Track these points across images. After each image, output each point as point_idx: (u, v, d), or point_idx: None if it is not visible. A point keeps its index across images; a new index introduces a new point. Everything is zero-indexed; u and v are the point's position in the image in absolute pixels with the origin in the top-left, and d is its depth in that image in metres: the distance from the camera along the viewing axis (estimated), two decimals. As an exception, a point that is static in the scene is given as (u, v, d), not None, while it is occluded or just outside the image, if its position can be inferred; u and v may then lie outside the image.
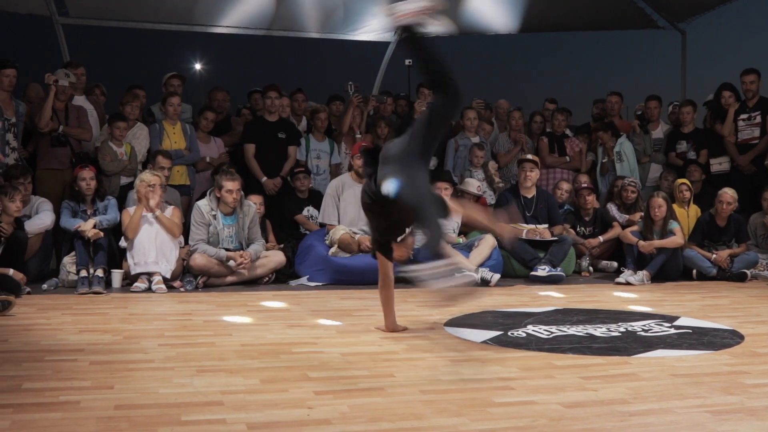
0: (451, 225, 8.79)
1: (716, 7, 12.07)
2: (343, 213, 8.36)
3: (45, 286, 7.28)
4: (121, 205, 7.97)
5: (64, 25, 11.16)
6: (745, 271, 8.56)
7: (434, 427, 3.10)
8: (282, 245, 8.53)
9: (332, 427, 3.08)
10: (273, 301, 6.71)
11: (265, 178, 9.24)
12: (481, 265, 8.13)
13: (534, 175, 9.01)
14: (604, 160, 10.33)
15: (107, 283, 7.34)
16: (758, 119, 9.74)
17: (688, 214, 9.19)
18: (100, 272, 7.24)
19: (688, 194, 9.30)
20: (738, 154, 9.80)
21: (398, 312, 6.20)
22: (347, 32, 12.91)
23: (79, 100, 9.01)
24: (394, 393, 3.59)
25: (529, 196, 9.02)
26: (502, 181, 10.03)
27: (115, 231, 7.75)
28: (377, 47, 13.44)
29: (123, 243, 7.60)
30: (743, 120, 9.86)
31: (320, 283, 7.90)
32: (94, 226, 7.42)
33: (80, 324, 5.41)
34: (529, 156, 9.37)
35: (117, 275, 7.47)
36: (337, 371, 4.04)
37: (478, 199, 9.41)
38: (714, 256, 8.67)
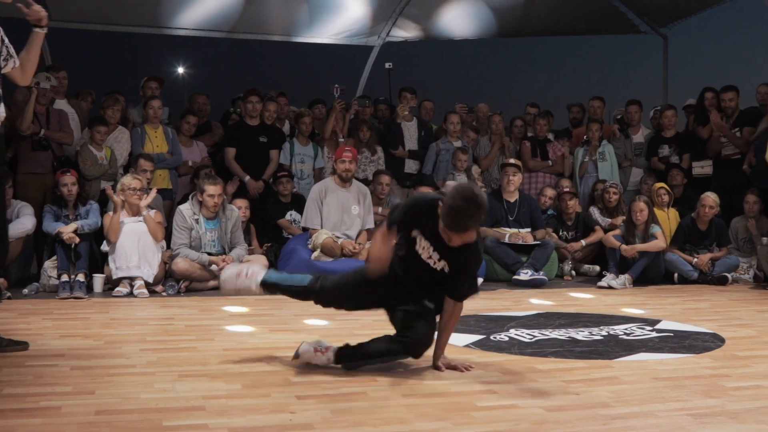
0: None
1: (698, 13, 12.18)
2: (326, 217, 8.35)
3: (26, 290, 7.23)
4: (103, 209, 7.93)
5: (45, 27, 11.09)
6: (726, 274, 8.61)
7: (417, 431, 3.10)
8: (264, 249, 8.52)
9: None
10: (257, 306, 6.70)
11: (248, 177, 9.23)
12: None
13: (517, 179, 9.03)
14: (585, 160, 10.34)
15: (89, 288, 7.29)
16: (738, 135, 9.78)
17: (668, 218, 9.23)
18: (81, 277, 7.20)
19: (666, 198, 9.33)
20: (734, 136, 9.78)
21: (381, 316, 6.19)
22: (329, 36, 12.92)
23: (61, 104, 8.97)
24: (377, 398, 3.59)
25: (512, 200, 9.04)
26: (485, 186, 10.05)
27: (97, 236, 7.72)
28: (360, 51, 13.47)
29: (105, 247, 7.57)
30: (725, 138, 9.91)
31: (303, 288, 7.88)
32: (75, 231, 7.39)
33: (61, 329, 5.38)
34: (512, 160, 9.40)
35: (98, 280, 7.43)
36: (320, 376, 4.03)
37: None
38: (695, 259, 8.71)
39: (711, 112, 9.94)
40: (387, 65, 11.93)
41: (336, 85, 10.03)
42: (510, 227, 8.89)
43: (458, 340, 5.04)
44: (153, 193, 7.81)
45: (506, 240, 8.71)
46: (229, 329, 5.50)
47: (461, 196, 3.82)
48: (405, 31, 13.19)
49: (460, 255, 4.04)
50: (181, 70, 37.88)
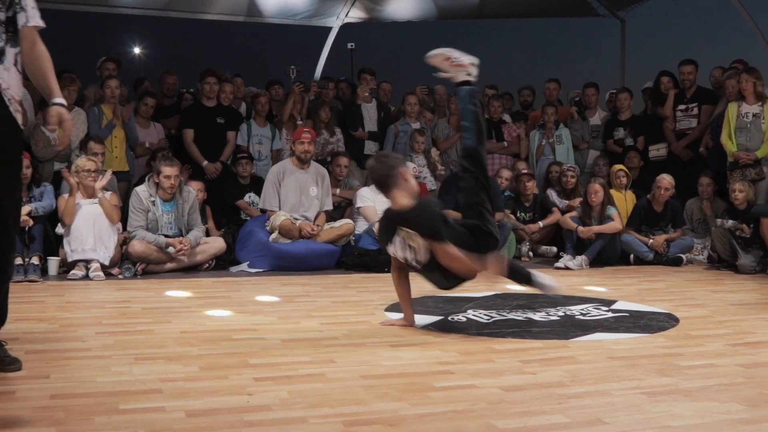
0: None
1: (656, -4, 12.27)
2: (284, 199, 8.32)
3: (-22, 274, 7.12)
4: (57, 191, 7.81)
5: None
6: (681, 255, 8.72)
7: (374, 411, 3.11)
8: (222, 231, 8.46)
9: (272, 413, 3.07)
10: (214, 288, 6.67)
11: (206, 162, 9.15)
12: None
13: (475, 161, 9.03)
14: (542, 143, 10.39)
15: (43, 271, 7.20)
16: (695, 110, 9.91)
17: (626, 199, 9.32)
18: (35, 260, 7.09)
19: (625, 180, 9.42)
20: (675, 140, 9.96)
21: (338, 298, 6.22)
22: (287, 17, 12.82)
23: (13, 84, 8.79)
24: (335, 379, 3.59)
25: (470, 182, 9.05)
26: (444, 168, 10.07)
27: (52, 218, 7.61)
28: (319, 32, 13.39)
29: (60, 230, 7.46)
30: (681, 111, 10.02)
31: (261, 270, 7.86)
32: (29, 213, 7.28)
33: (15, 313, 5.28)
34: (470, 142, 9.40)
35: (53, 263, 7.34)
36: (278, 357, 4.02)
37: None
38: (651, 241, 8.81)
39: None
40: (349, 45, 11.91)
41: (292, 67, 9.95)
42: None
43: (416, 321, 5.05)
44: (108, 175, 7.71)
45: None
46: (186, 312, 5.46)
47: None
48: (364, 13, 13.13)
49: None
50: (136, 50, 37.42)
